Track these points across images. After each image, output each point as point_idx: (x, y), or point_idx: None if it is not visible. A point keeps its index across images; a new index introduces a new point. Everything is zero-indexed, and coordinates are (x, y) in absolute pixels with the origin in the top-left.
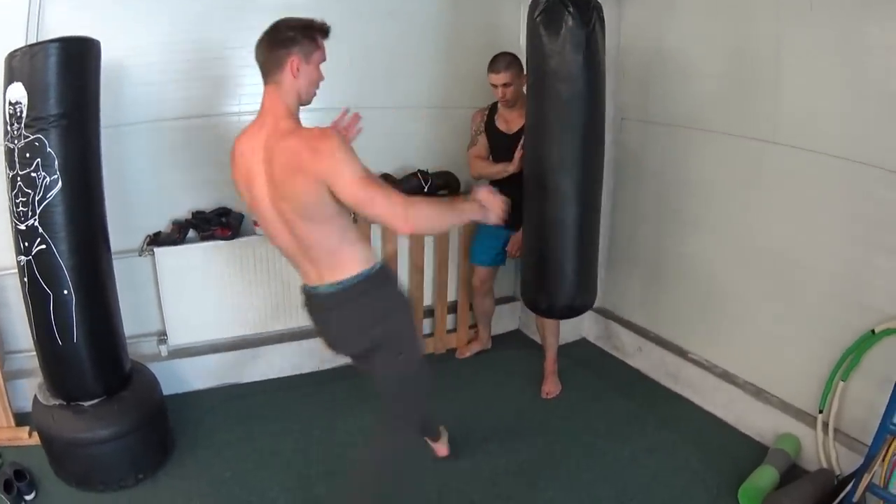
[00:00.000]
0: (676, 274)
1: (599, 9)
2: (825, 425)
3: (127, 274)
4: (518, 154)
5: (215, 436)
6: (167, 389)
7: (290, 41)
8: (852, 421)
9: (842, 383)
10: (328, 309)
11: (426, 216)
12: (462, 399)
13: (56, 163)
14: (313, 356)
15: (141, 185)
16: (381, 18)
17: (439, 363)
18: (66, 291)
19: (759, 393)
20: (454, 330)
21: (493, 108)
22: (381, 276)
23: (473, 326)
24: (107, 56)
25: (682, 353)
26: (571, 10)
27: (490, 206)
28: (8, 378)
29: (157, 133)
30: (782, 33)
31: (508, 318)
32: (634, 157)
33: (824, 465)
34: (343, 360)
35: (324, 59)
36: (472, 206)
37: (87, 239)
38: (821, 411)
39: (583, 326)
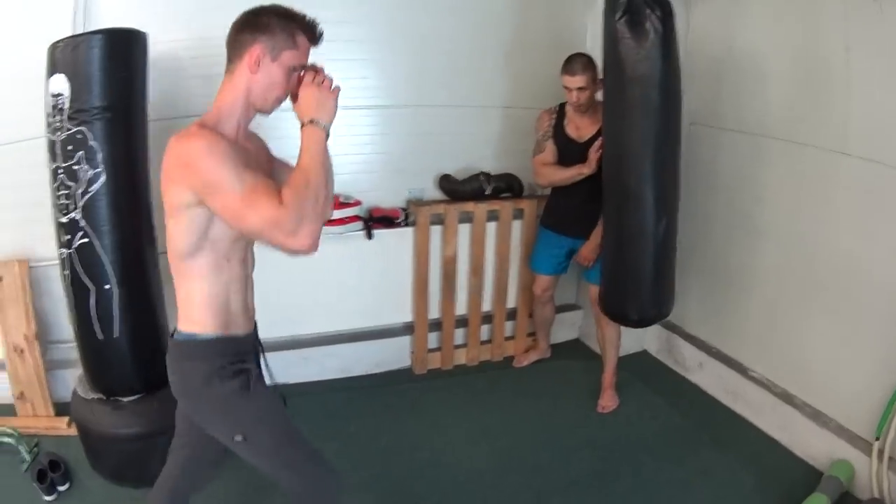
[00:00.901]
0: (740, 287)
1: (673, 11)
2: (880, 453)
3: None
4: (594, 154)
5: None
6: None
7: (260, 28)
8: None
9: None
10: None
11: (309, 215)
12: (516, 409)
13: (99, 156)
14: (361, 360)
15: None
16: (443, 14)
17: (496, 371)
18: (107, 286)
19: (816, 415)
20: (512, 337)
21: (560, 111)
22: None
23: (532, 335)
24: (161, 48)
25: (742, 370)
26: (658, 12)
27: (310, 109)
28: (50, 368)
29: None
30: (851, 35)
31: (569, 327)
32: (703, 164)
33: (876, 494)
34: (400, 364)
35: (300, 65)
36: (306, 133)
37: (131, 234)
38: (877, 438)
39: (645, 338)
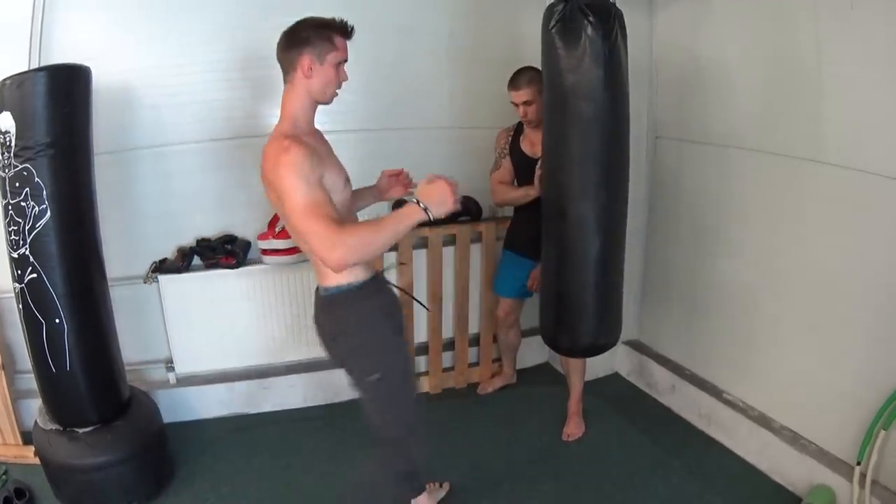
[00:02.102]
0: (713, 305)
1: (621, 17)
2: (863, 477)
3: (134, 300)
4: (538, 176)
5: (217, 466)
6: (174, 417)
7: (303, 40)
8: (893, 474)
9: (883, 432)
10: (315, 312)
11: (360, 245)
12: (479, 438)
13: (44, 192)
14: (326, 388)
15: (148, 210)
16: (393, 33)
17: (459, 398)
18: (57, 320)
19: (795, 439)
20: (477, 363)
21: (518, 129)
22: (357, 295)
23: (498, 360)
24: (114, 79)
25: (716, 392)
26: (591, 18)
27: (432, 196)
28: (17, 397)
29: (163, 158)
30: (823, 37)
31: (537, 351)
32: (670, 178)
33: None
34: (354, 394)
35: (343, 59)
36: (410, 208)
37: (79, 268)
38: (859, 462)
39: (615, 360)
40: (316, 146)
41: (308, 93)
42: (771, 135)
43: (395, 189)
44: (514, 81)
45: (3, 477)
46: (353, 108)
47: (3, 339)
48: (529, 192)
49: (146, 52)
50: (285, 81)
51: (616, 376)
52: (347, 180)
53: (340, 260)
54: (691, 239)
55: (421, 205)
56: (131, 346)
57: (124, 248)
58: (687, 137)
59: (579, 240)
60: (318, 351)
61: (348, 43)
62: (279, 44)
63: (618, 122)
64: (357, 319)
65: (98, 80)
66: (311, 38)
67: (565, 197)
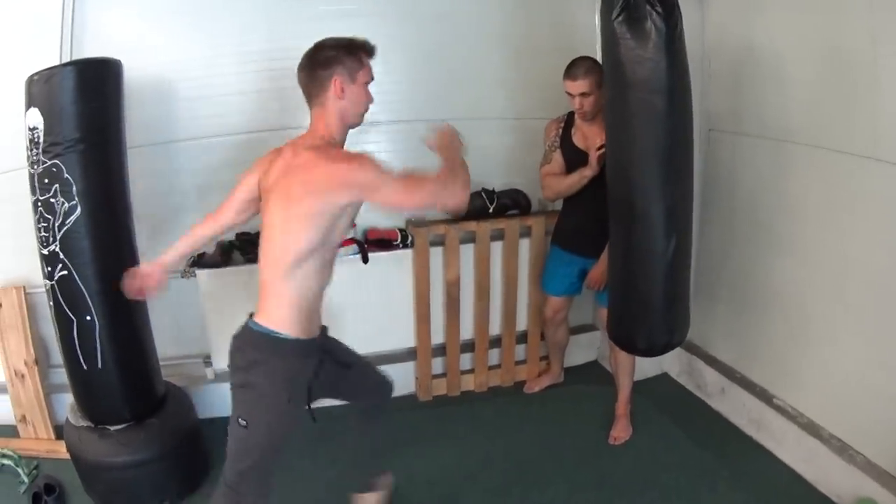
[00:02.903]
0: (765, 306)
1: (679, 6)
2: None
3: (174, 294)
4: (594, 154)
5: None
6: (212, 412)
7: (332, 60)
8: None
9: None
10: (238, 334)
11: (461, 185)
12: (523, 439)
13: (74, 188)
14: None
15: (187, 204)
16: (439, 21)
17: (505, 396)
18: (88, 317)
19: (843, 449)
20: (524, 361)
21: (569, 120)
22: (282, 349)
23: (546, 358)
24: (150, 72)
25: (766, 397)
26: (658, 8)
27: (443, 143)
28: (51, 391)
29: (205, 150)
30: (877, 26)
31: (586, 349)
32: (724, 173)
33: None
34: (405, 390)
35: (370, 79)
36: (452, 161)
37: (111, 264)
38: None
39: (665, 361)
40: None
41: (341, 115)
42: (826, 130)
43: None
44: (571, 71)
45: (34, 472)
46: (398, 98)
47: (37, 333)
48: (585, 174)
49: (182, 43)
50: (313, 105)
51: (665, 377)
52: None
53: (464, 195)
54: (744, 236)
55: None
56: (169, 341)
57: (164, 242)
58: (741, 131)
59: (650, 238)
60: (363, 345)
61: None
62: (302, 66)
63: (684, 115)
64: (266, 370)
65: (140, 72)
66: (340, 57)
67: (633, 194)
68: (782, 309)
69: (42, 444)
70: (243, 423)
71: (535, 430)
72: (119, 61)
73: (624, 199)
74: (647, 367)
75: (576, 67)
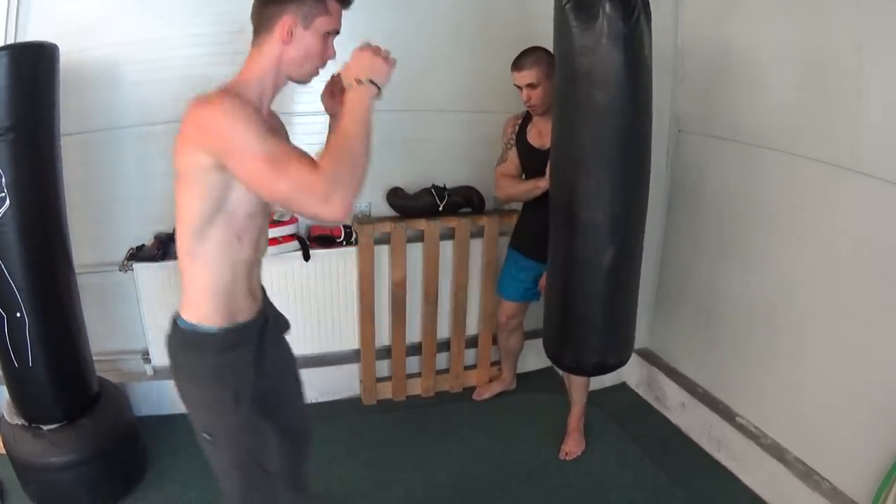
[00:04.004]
0: (731, 319)
1: None
2: None
3: (112, 288)
4: (550, 168)
5: (190, 466)
6: (151, 410)
7: None
8: None
9: None
10: (168, 332)
11: (349, 178)
12: (469, 448)
13: (3, 180)
14: (312, 387)
15: (129, 193)
16: (388, 6)
17: (453, 403)
18: (18, 314)
19: (808, 475)
20: (474, 366)
21: (527, 117)
22: (207, 345)
23: (497, 363)
24: (99, 54)
25: (729, 414)
26: None
27: (361, 69)
28: None
29: (145, 138)
30: (864, 30)
31: (540, 355)
32: (692, 176)
33: None
34: (349, 392)
35: (335, 30)
36: (353, 93)
37: (42, 259)
38: None
39: (624, 370)
40: (268, 120)
41: (279, 63)
42: (804, 137)
43: (337, 100)
44: (518, 61)
45: None
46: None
47: None
48: (539, 185)
49: (129, 26)
50: (252, 44)
51: (623, 387)
52: None
53: (346, 203)
54: (711, 244)
55: (358, 81)
56: (107, 337)
57: (103, 234)
58: (712, 133)
59: (589, 248)
60: (304, 347)
61: (344, 14)
62: None
63: (639, 114)
64: (193, 373)
65: (83, 54)
66: None
67: (575, 199)
68: (749, 324)
69: None
70: (207, 437)
71: (482, 440)
72: (54, 45)
73: (564, 202)
74: (605, 376)
75: (522, 57)
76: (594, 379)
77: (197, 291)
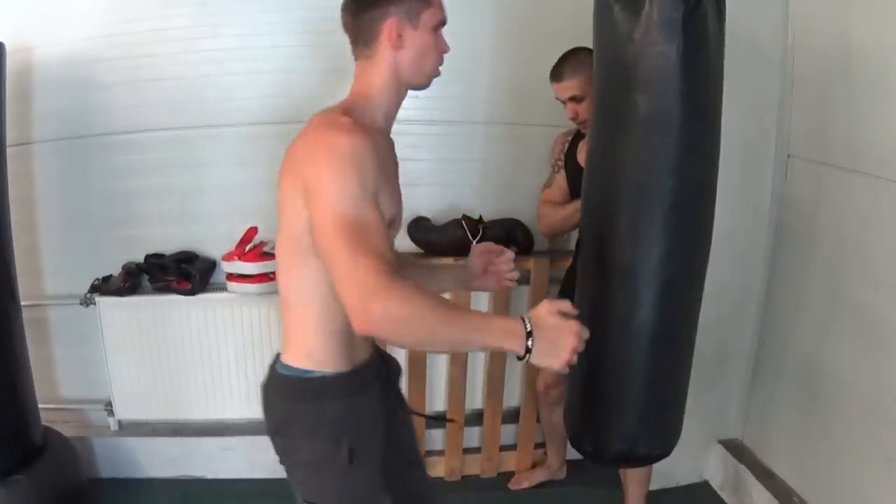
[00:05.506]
0: (840, 409)
1: None
2: None
3: (75, 324)
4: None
5: None
6: (113, 472)
7: None
8: None
9: None
10: (265, 381)
11: (406, 317)
12: None
13: None
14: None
15: (98, 214)
16: None
17: (482, 491)
18: None
19: None
20: (513, 446)
21: (578, 134)
22: (326, 393)
23: (542, 445)
24: (58, 52)
25: None
26: None
27: (548, 338)
28: None
29: (119, 149)
30: None
31: None
32: (804, 218)
33: None
34: None
35: (442, 21)
36: (511, 328)
37: None
38: None
39: (706, 465)
40: (384, 153)
41: (396, 71)
42: None
43: (489, 279)
44: (556, 70)
45: None
46: None
47: None
48: (579, 206)
49: (97, 19)
50: (358, 57)
51: (704, 487)
52: (395, 221)
53: (373, 320)
54: (822, 310)
55: (528, 337)
56: (71, 381)
57: (67, 261)
58: (829, 160)
59: (626, 300)
60: None
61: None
62: (346, 6)
63: (700, 128)
64: (304, 427)
65: (38, 55)
66: None
67: (608, 236)
68: (868, 418)
69: None
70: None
71: None
72: (1, 44)
73: (596, 244)
74: (679, 470)
75: (561, 64)
76: (669, 473)
77: (308, 329)
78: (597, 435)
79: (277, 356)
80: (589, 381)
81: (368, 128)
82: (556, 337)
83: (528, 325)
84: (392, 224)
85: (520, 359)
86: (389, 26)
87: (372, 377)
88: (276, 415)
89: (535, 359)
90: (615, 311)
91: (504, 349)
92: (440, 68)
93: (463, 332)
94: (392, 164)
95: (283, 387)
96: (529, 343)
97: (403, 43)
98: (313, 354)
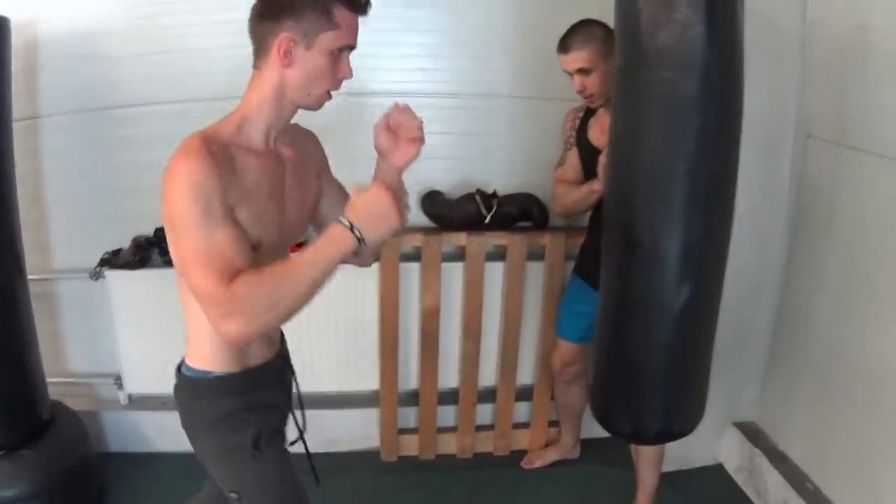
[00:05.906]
0: (857, 393)
1: None
2: None
3: (86, 298)
4: (603, 165)
5: None
6: (120, 446)
7: (284, 9)
8: None
9: None
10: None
11: (260, 309)
12: None
13: None
14: (321, 432)
15: (109, 186)
16: None
17: (494, 469)
18: None
19: None
20: (527, 424)
21: (589, 110)
22: (216, 390)
23: (556, 424)
24: (63, 27)
25: None
26: None
27: (366, 210)
28: None
29: (130, 122)
30: None
31: None
32: (823, 199)
33: None
34: (366, 443)
35: (347, 45)
36: (334, 233)
37: None
38: None
39: (721, 447)
40: (254, 170)
41: (281, 88)
42: None
43: (402, 149)
44: (564, 41)
45: None
46: (378, 65)
47: None
48: (594, 188)
49: None
50: (254, 66)
51: (718, 470)
52: (272, 231)
53: (235, 333)
54: (840, 292)
55: (351, 228)
56: (80, 356)
57: (76, 234)
58: (848, 141)
59: (653, 280)
60: (318, 382)
61: (360, 20)
62: (252, 8)
63: (727, 109)
64: (209, 420)
65: (44, 29)
66: (296, 5)
67: (637, 220)
68: (883, 403)
69: None
70: (234, 496)
71: None
72: (5, 18)
73: (621, 224)
74: (694, 452)
75: (569, 35)
76: (683, 456)
77: (203, 335)
78: (631, 416)
79: (182, 359)
80: (620, 365)
81: (228, 146)
82: (373, 208)
83: (345, 220)
84: (299, 217)
85: (361, 246)
86: (281, 42)
87: (271, 375)
88: (182, 412)
89: (372, 236)
90: (640, 290)
91: (345, 252)
92: (333, 93)
93: (308, 275)
94: (272, 179)
95: (185, 386)
96: (356, 232)
97: (293, 61)
98: (209, 357)
